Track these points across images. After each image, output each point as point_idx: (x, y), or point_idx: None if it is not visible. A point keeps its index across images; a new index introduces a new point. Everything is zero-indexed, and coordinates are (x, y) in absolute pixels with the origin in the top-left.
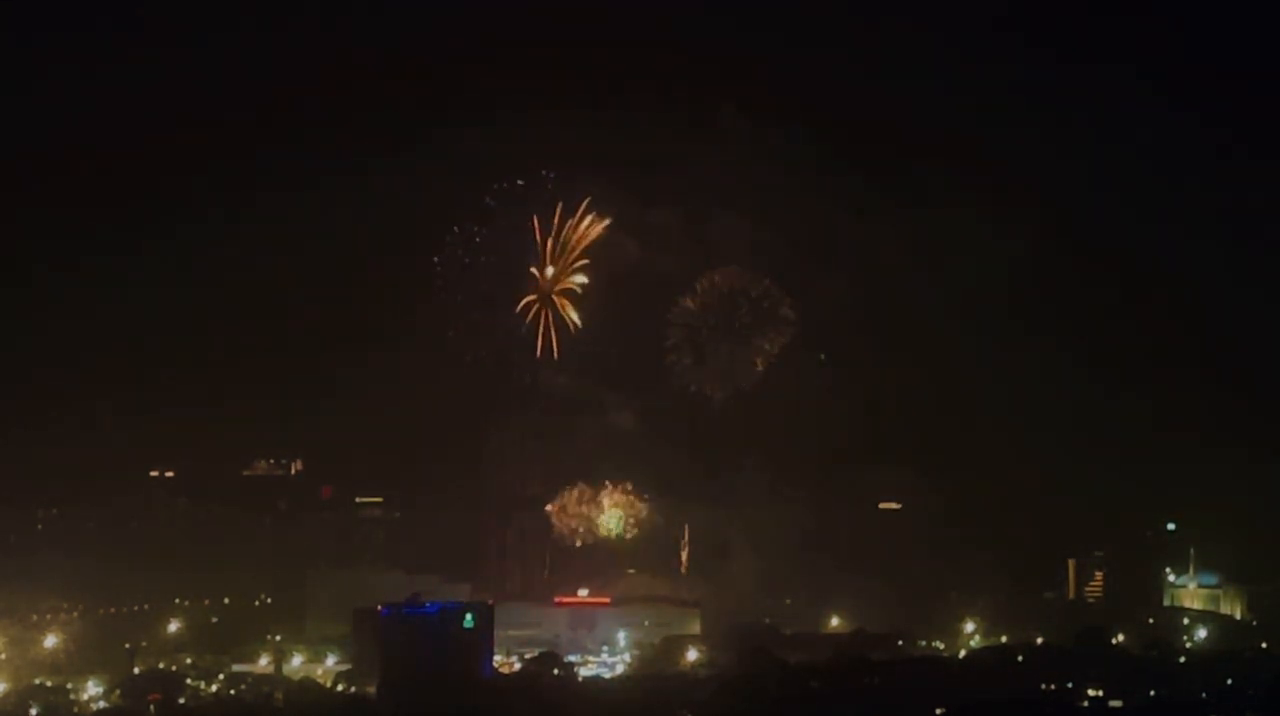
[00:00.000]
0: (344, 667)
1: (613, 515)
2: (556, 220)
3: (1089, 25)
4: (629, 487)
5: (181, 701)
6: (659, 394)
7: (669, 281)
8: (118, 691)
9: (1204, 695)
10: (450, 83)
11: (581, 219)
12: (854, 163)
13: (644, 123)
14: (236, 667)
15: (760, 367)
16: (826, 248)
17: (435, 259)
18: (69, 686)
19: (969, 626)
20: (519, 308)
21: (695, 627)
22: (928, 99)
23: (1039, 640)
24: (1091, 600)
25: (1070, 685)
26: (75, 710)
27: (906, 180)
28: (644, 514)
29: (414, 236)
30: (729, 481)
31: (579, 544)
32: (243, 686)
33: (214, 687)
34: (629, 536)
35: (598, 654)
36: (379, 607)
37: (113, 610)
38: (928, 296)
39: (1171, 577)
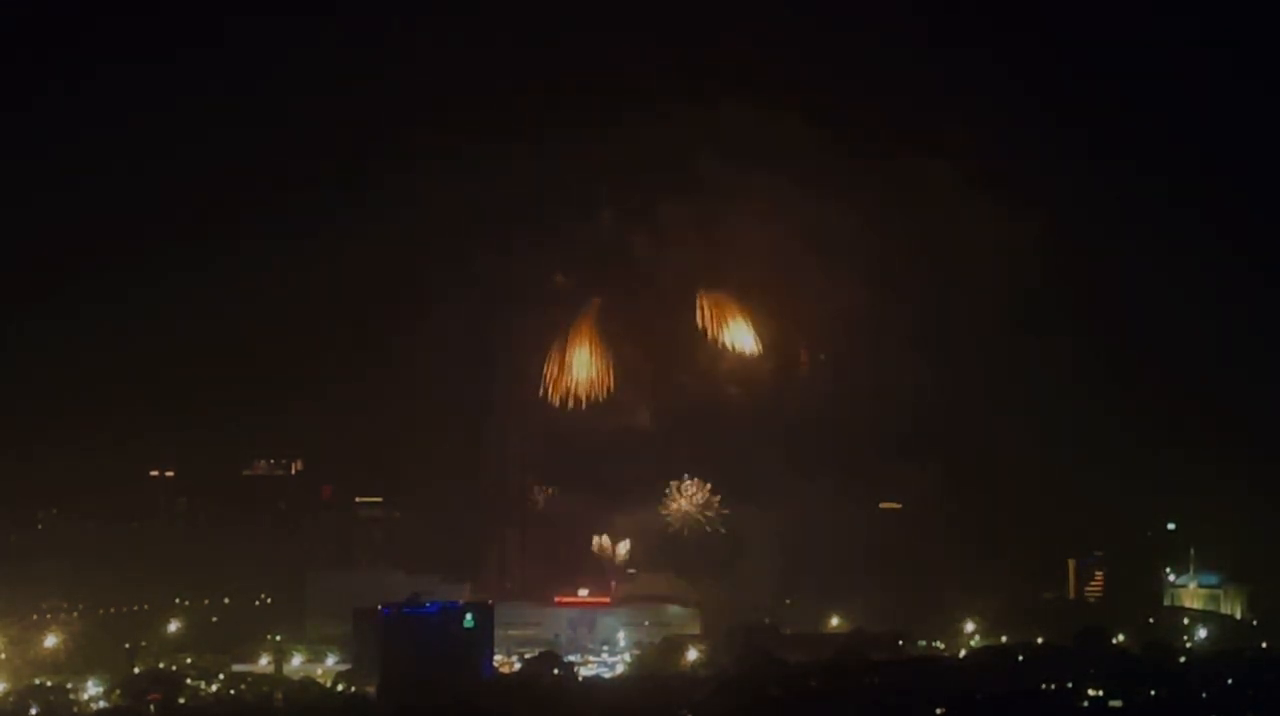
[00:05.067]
0: (344, 667)
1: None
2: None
3: (1100, 26)
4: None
5: (181, 701)
6: (671, 393)
7: (682, 279)
8: (118, 691)
9: (1204, 695)
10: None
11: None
12: (863, 162)
13: (653, 120)
14: (236, 667)
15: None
16: (834, 247)
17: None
18: (69, 686)
19: (969, 626)
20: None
21: (695, 627)
22: (935, 97)
23: (1039, 640)
24: (1091, 600)
25: (1070, 685)
26: (75, 710)
27: (918, 180)
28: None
29: (416, 236)
30: (734, 481)
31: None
32: (243, 686)
33: (214, 687)
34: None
35: (598, 654)
36: (379, 607)
37: (113, 610)
38: (931, 298)
39: (1171, 577)
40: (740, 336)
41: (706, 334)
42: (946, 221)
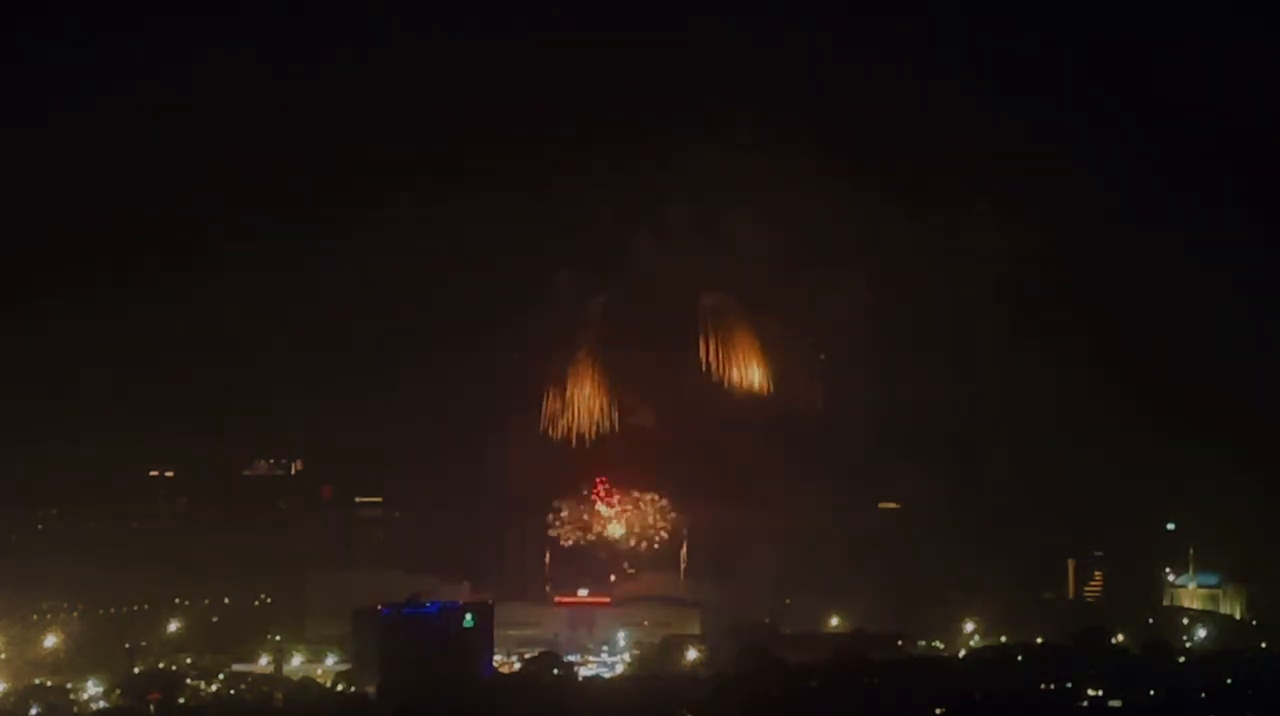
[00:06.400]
0: (344, 667)
1: (615, 527)
2: None
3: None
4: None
5: (181, 701)
6: (674, 392)
7: (686, 279)
8: (118, 691)
9: (1204, 695)
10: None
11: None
12: (862, 165)
13: (654, 125)
14: (236, 667)
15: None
16: (835, 249)
17: None
18: (69, 686)
19: (969, 626)
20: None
21: (695, 627)
22: (934, 103)
23: (1039, 640)
24: (1091, 600)
25: (1070, 685)
26: (75, 710)
27: (915, 182)
28: (649, 516)
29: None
30: (736, 482)
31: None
32: (243, 686)
33: (214, 687)
34: (632, 541)
35: (598, 654)
36: (379, 607)
37: (113, 610)
38: (931, 298)
39: (1171, 577)
40: (741, 339)
41: (708, 337)
42: (946, 223)
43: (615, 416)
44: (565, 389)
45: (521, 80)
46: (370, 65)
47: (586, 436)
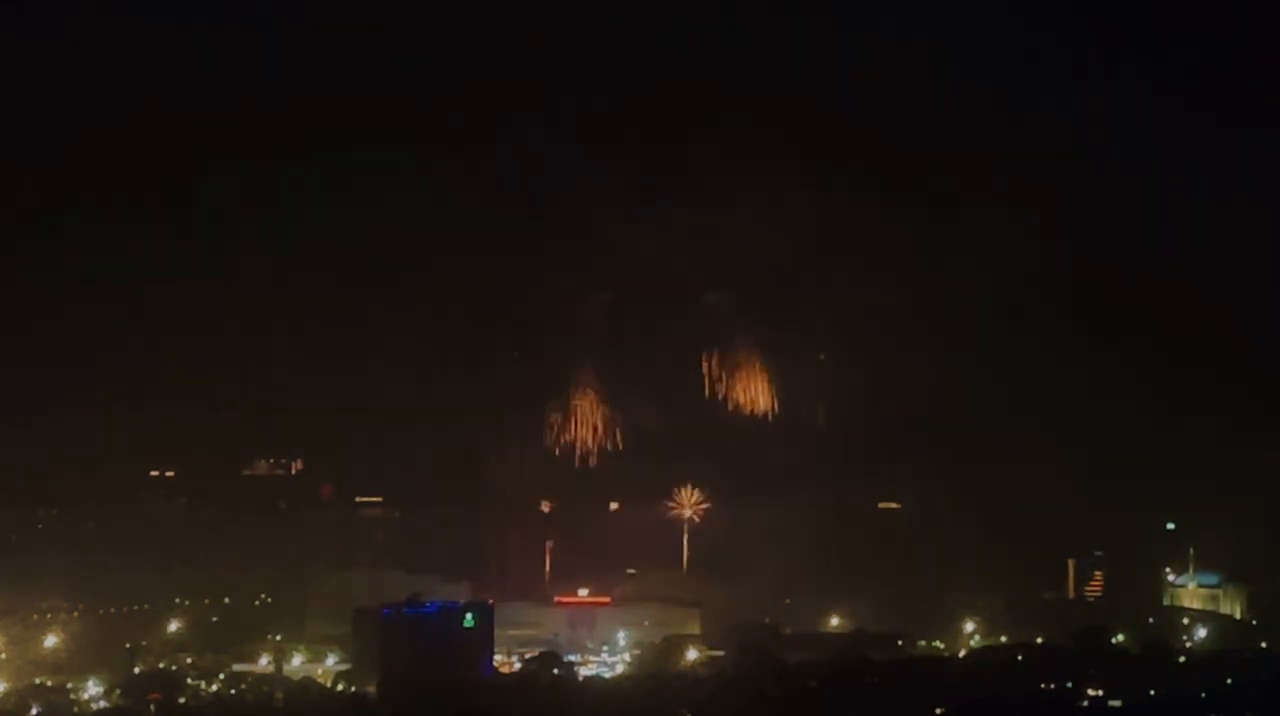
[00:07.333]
0: (344, 667)
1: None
2: None
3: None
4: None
5: (181, 701)
6: (677, 395)
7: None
8: (118, 691)
9: (1204, 695)
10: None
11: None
12: (860, 163)
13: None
14: (236, 667)
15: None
16: (833, 250)
17: None
18: (69, 686)
19: (969, 626)
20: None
21: (695, 627)
22: (932, 102)
23: (1039, 640)
24: (1091, 600)
25: (1070, 685)
26: (75, 710)
27: (913, 181)
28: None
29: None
30: (738, 481)
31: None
32: (243, 686)
33: (214, 687)
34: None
35: (598, 653)
36: (379, 607)
37: (113, 610)
38: (929, 297)
39: (1171, 577)
40: (743, 341)
41: (709, 339)
42: (945, 218)
43: (618, 430)
44: (567, 399)
45: (525, 82)
46: (375, 62)
47: (591, 454)
